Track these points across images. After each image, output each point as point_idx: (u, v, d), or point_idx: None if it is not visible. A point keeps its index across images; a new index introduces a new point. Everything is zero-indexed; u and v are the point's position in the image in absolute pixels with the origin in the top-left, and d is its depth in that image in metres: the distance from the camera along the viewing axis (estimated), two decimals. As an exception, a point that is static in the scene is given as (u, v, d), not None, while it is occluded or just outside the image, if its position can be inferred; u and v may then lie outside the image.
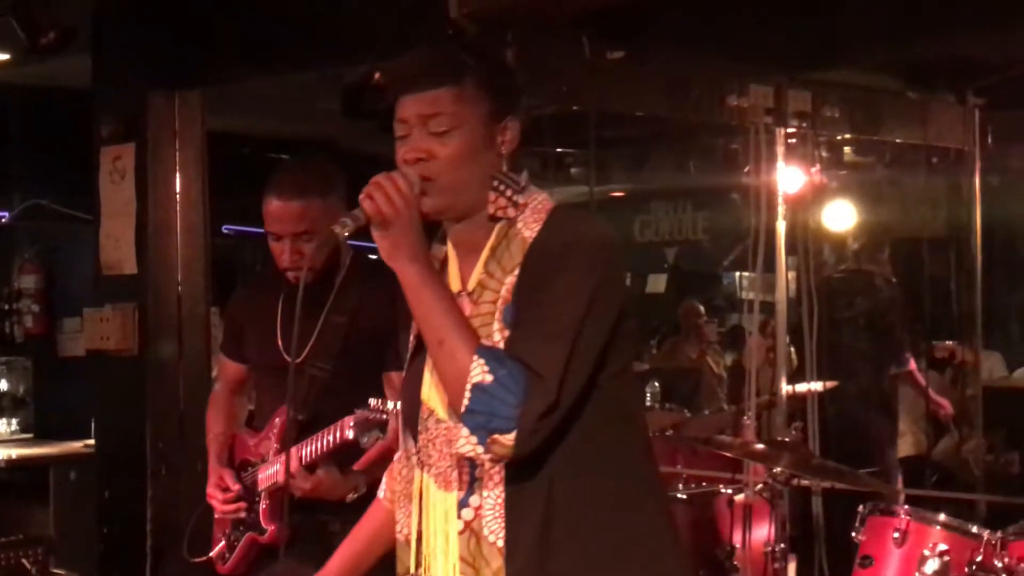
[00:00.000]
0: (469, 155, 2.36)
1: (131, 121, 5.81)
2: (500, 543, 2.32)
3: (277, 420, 3.75)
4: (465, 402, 2.23)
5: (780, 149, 5.96)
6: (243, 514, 3.86)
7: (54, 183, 7.68)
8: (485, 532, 2.33)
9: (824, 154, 6.48)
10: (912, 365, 7.51)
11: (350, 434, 3.40)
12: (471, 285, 2.42)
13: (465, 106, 2.36)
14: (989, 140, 7.05)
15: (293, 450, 3.59)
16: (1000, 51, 6.40)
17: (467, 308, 2.38)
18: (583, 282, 2.30)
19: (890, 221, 8.28)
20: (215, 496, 3.89)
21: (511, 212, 2.39)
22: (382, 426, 3.28)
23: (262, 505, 3.78)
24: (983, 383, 7.52)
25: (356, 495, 3.66)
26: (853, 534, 4.17)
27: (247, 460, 3.89)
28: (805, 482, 5.41)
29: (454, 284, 2.45)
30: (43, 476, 7.00)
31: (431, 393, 2.42)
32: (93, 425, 7.07)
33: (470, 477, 2.33)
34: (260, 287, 4.06)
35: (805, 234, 6.10)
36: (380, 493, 2.77)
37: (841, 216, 7.96)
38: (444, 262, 2.49)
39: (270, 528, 3.77)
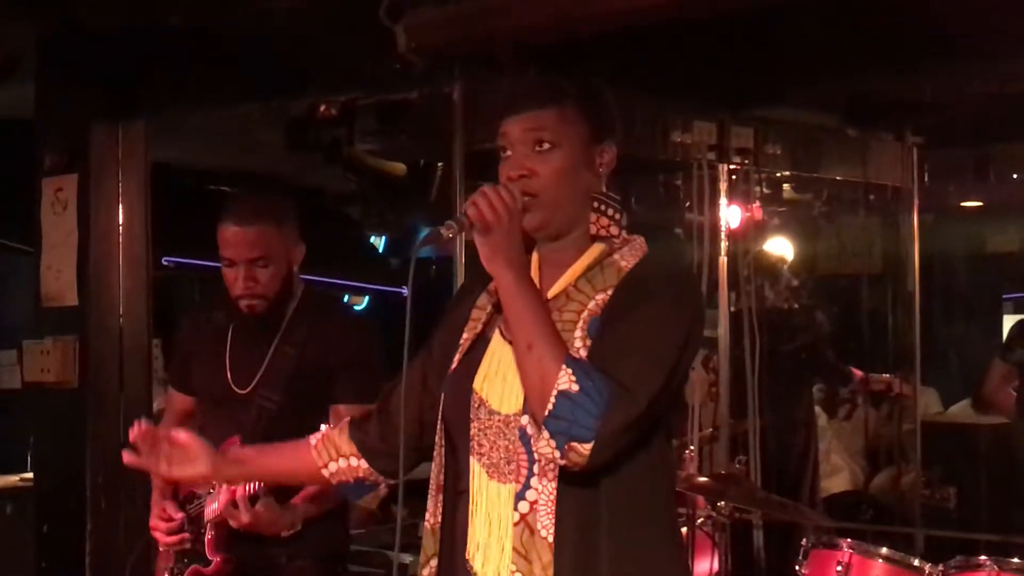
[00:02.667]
0: (569, 173, 2.50)
1: (74, 152, 5.76)
2: (551, 538, 2.40)
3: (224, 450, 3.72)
4: (549, 407, 2.32)
5: (722, 185, 6.02)
6: (187, 545, 3.83)
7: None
8: (538, 526, 2.40)
9: (765, 190, 6.54)
10: (858, 374, 7.63)
11: None
12: (553, 292, 2.52)
13: (566, 126, 2.50)
14: (926, 178, 7.16)
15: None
16: (938, 91, 6.48)
17: None
18: (680, 315, 2.45)
19: (828, 257, 8.36)
20: (158, 527, 3.86)
21: (613, 230, 2.54)
22: None
23: (207, 536, 3.75)
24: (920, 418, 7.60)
25: (292, 531, 3.66)
26: (796, 567, 4.21)
27: (193, 493, 3.86)
28: (746, 515, 5.45)
29: None
30: (-22, 510, 6.92)
31: (486, 384, 2.50)
32: (30, 458, 7.00)
33: (528, 471, 2.41)
34: (207, 317, 4.03)
35: (747, 270, 6.16)
36: (313, 440, 2.84)
37: (780, 252, 8.03)
38: None
39: (215, 559, 3.75)
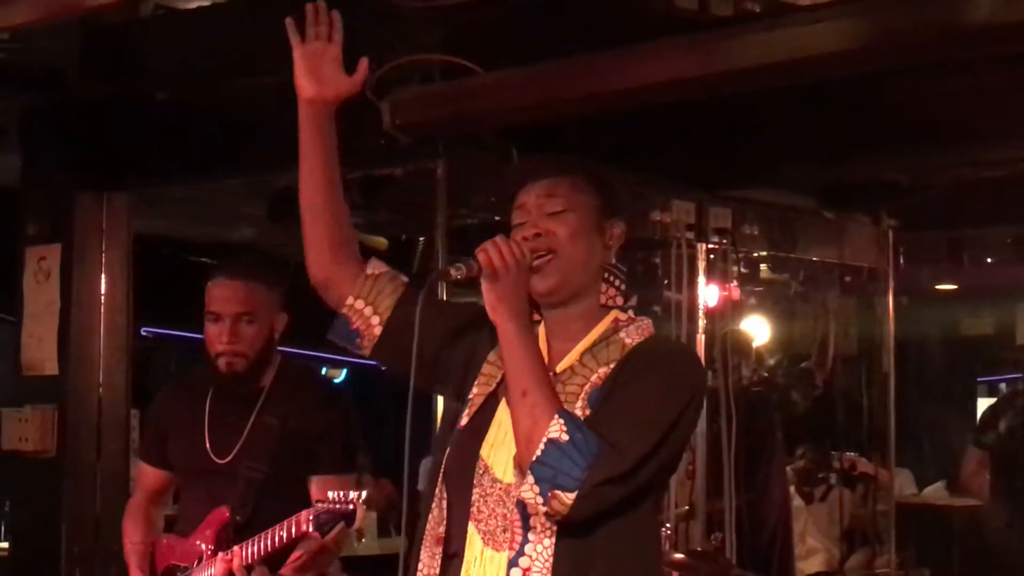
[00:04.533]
0: (582, 236, 2.59)
1: (58, 221, 5.81)
2: None
3: (212, 521, 3.72)
4: (537, 453, 2.36)
5: (701, 264, 6.08)
6: None
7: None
8: None
9: (742, 270, 6.60)
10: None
11: (308, 528, 3.36)
12: (560, 367, 2.58)
13: (578, 194, 2.61)
14: (901, 260, 7.23)
15: (235, 549, 3.57)
16: (913, 174, 6.58)
17: None
18: (679, 388, 2.51)
19: (804, 337, 8.40)
20: None
21: (619, 300, 2.61)
22: (347, 517, 3.27)
23: None
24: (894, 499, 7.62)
25: None
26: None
27: (174, 565, 3.84)
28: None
29: None
30: (-50, 580, 6.85)
31: (492, 452, 2.54)
32: (4, 527, 6.97)
33: (522, 538, 2.44)
34: (183, 390, 4.04)
35: (724, 348, 6.20)
36: (370, 268, 2.75)
37: (757, 331, 8.08)
38: None
39: None
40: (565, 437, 2.35)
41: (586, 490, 2.34)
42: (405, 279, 2.76)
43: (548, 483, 2.35)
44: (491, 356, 2.66)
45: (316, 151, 2.76)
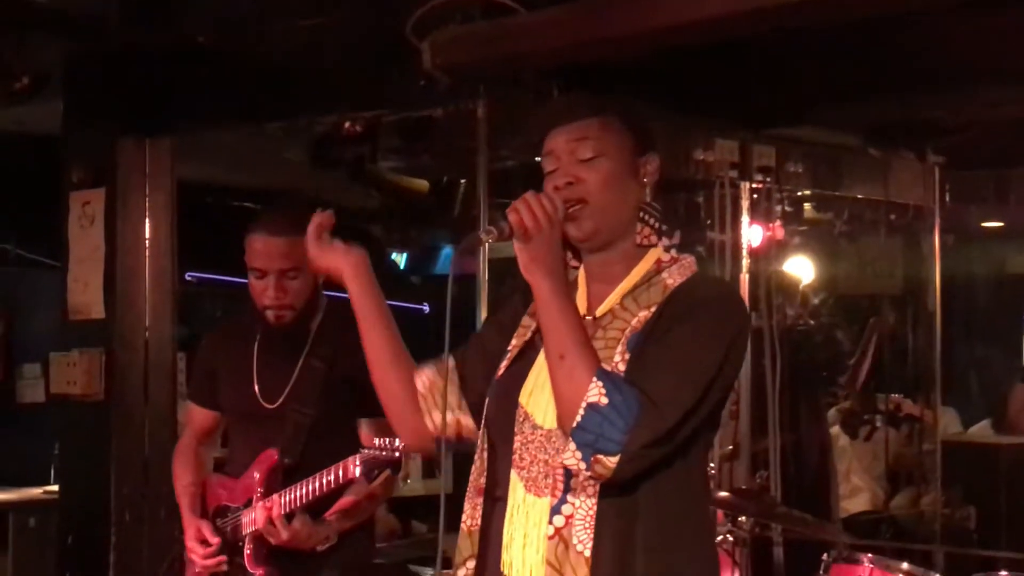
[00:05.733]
0: (616, 180, 2.53)
1: (101, 166, 5.83)
2: (588, 553, 2.40)
3: (261, 463, 3.74)
4: (578, 419, 2.33)
5: (744, 203, 6.05)
6: (224, 568, 3.83)
7: (19, 228, 7.68)
8: (574, 541, 2.41)
9: (786, 209, 6.56)
10: None
11: (356, 472, 3.36)
12: (600, 311, 2.54)
13: (610, 135, 2.54)
14: (947, 198, 7.17)
15: (275, 498, 3.60)
16: (960, 111, 6.50)
17: (590, 331, 2.47)
18: (721, 334, 2.45)
19: (848, 277, 8.37)
20: (195, 550, 3.86)
21: (654, 239, 2.56)
22: (393, 464, 3.28)
23: (247, 551, 3.76)
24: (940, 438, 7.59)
25: (327, 544, 3.68)
26: (818, 582, 4.22)
27: (224, 506, 3.87)
28: (766, 532, 5.46)
29: (580, 308, 2.55)
30: (2, 523, 6.94)
31: (531, 399, 2.51)
32: (53, 471, 7.05)
33: (564, 486, 2.42)
34: (232, 333, 4.05)
35: (768, 288, 6.18)
36: (419, 383, 2.70)
37: (801, 271, 8.05)
38: (572, 286, 2.60)
39: (257, 572, 3.75)
40: (604, 400, 2.31)
41: (629, 453, 2.32)
42: (451, 360, 2.67)
43: (590, 448, 2.32)
44: (532, 308, 2.59)
45: (364, 315, 2.75)
